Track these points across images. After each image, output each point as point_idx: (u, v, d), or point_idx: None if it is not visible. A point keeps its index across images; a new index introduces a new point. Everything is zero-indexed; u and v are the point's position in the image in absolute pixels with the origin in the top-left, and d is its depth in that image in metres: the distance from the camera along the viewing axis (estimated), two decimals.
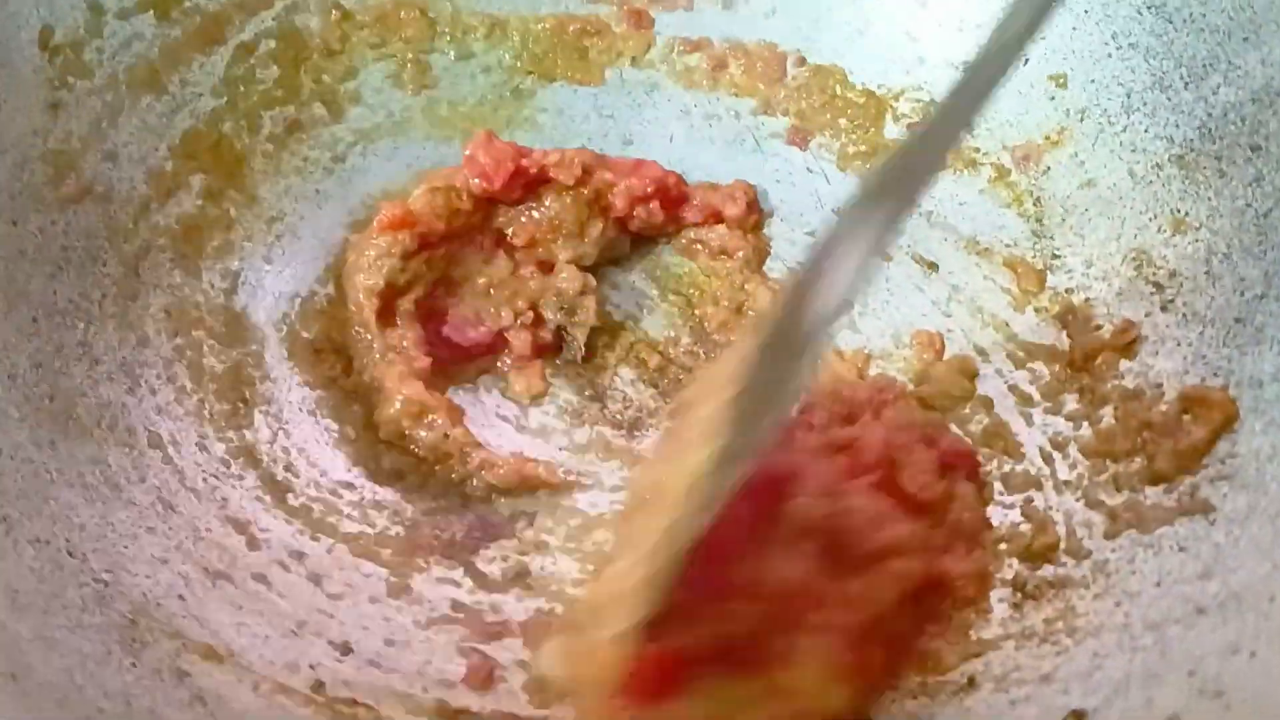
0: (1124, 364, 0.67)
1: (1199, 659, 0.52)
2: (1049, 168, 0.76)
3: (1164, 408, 0.64)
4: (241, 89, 0.78)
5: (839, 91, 0.82)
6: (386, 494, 0.67)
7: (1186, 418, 0.62)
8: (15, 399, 0.62)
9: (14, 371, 0.63)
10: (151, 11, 0.75)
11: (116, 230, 0.71)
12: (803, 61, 0.83)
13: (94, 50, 0.73)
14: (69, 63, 0.71)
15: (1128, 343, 0.68)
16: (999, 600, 0.61)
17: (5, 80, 0.68)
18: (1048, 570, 0.61)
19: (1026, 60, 0.77)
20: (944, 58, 0.80)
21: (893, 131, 0.81)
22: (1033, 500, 0.65)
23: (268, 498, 0.66)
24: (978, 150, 0.78)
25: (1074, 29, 0.76)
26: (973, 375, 0.71)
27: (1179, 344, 0.66)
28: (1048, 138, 0.76)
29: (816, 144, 0.81)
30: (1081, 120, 0.75)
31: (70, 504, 0.60)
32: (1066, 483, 0.65)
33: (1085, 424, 0.66)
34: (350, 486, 0.67)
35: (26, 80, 0.70)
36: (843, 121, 0.82)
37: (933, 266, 0.76)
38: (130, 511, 0.62)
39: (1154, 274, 0.69)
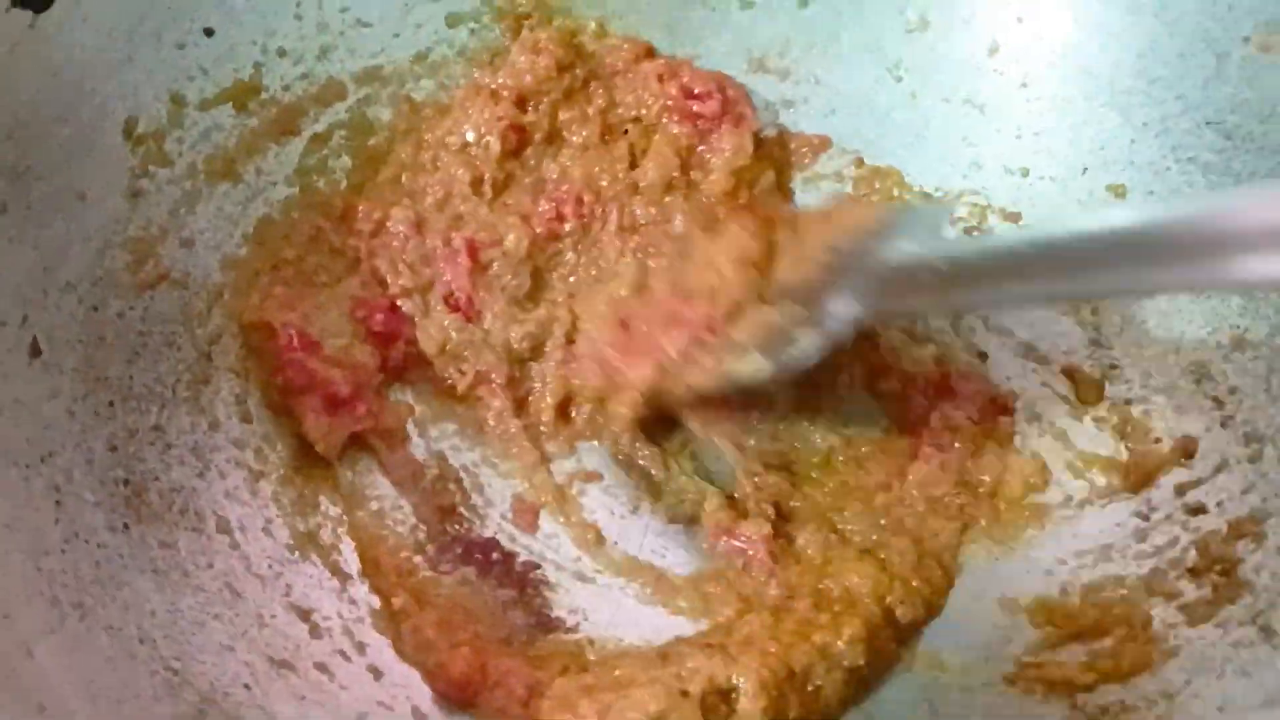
0: (1182, 478, 0.68)
1: None
2: None
3: (1221, 528, 0.64)
4: (314, 178, 0.79)
5: (896, 193, 0.83)
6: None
7: (1243, 542, 0.62)
8: (91, 483, 0.63)
9: (91, 456, 0.64)
10: (231, 104, 0.77)
11: (191, 315, 0.72)
12: (861, 163, 0.84)
13: (175, 140, 0.75)
14: (151, 152, 0.73)
15: (1186, 456, 0.68)
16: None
17: (91, 169, 0.70)
18: (1111, 694, 0.61)
19: (1085, 169, 0.78)
20: (1000, 164, 0.81)
21: (947, 231, 0.81)
22: None
23: (331, 585, 0.67)
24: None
25: (1133, 141, 0.77)
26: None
27: (1239, 461, 0.66)
28: None
29: None
30: None
31: (142, 590, 0.61)
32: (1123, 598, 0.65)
33: (1140, 542, 0.67)
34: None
35: (110, 169, 0.72)
36: None
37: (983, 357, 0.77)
38: (198, 597, 0.62)
39: (1214, 389, 0.69)
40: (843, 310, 0.64)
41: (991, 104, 0.82)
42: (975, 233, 0.81)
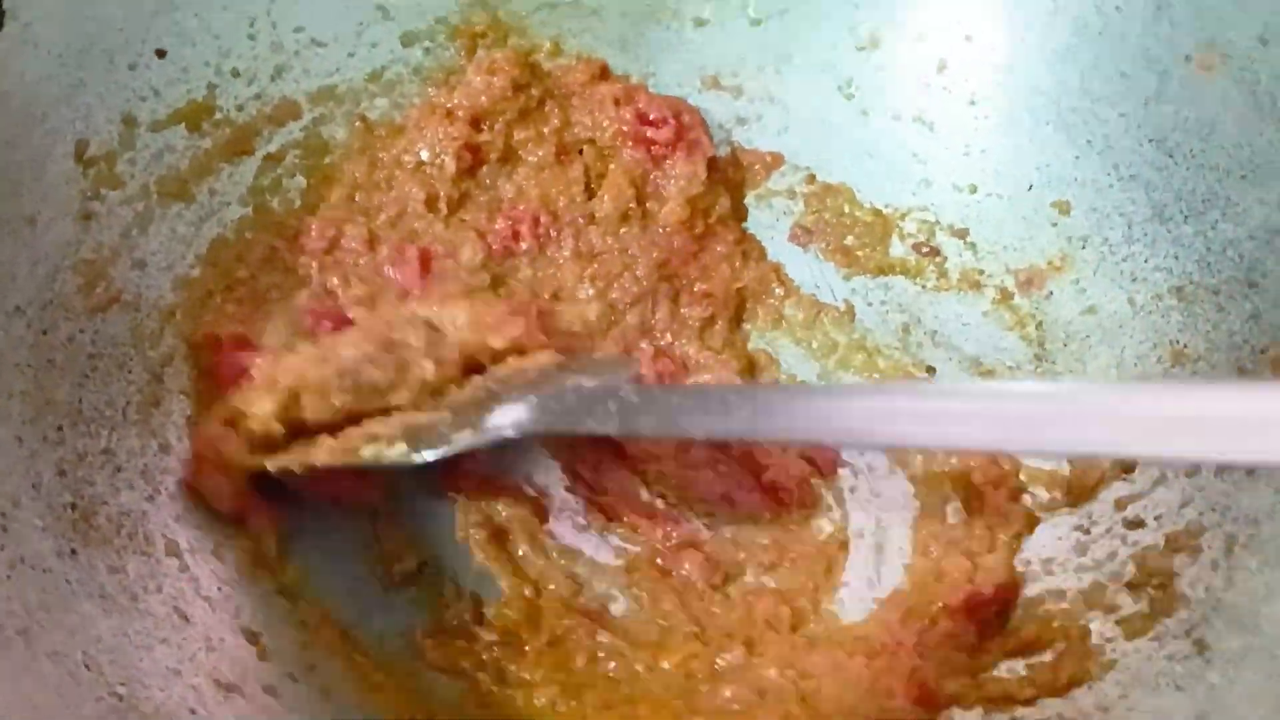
0: (1122, 492, 0.69)
1: None
2: (1051, 292, 0.77)
3: (1158, 542, 0.65)
4: (267, 198, 0.80)
5: (846, 210, 0.84)
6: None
7: (1179, 556, 0.63)
8: (39, 508, 0.63)
9: (38, 480, 0.64)
10: (184, 124, 0.77)
11: (142, 337, 0.72)
12: (812, 179, 0.85)
13: (126, 162, 0.75)
14: (102, 174, 0.74)
15: (1126, 471, 0.69)
16: None
17: (40, 193, 0.70)
18: (1049, 707, 0.61)
19: (1031, 186, 0.79)
20: (949, 181, 0.82)
21: (898, 249, 0.82)
22: None
23: (280, 604, 0.67)
24: (981, 272, 0.80)
25: (1077, 158, 0.78)
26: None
27: (1176, 475, 0.67)
28: (1050, 263, 0.78)
29: (817, 248, 0.83)
30: (1083, 247, 0.77)
31: (89, 615, 0.61)
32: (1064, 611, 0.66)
33: (1081, 555, 0.67)
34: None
35: (60, 192, 0.72)
36: (849, 239, 0.83)
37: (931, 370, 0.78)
38: (146, 622, 0.63)
39: None
40: (505, 420, 0.67)
41: (940, 121, 0.83)
42: (925, 249, 0.81)
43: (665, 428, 0.63)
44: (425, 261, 0.77)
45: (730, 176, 0.84)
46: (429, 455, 0.66)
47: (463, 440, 0.67)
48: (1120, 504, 0.69)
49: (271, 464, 0.67)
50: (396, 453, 0.67)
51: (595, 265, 0.79)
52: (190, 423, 0.71)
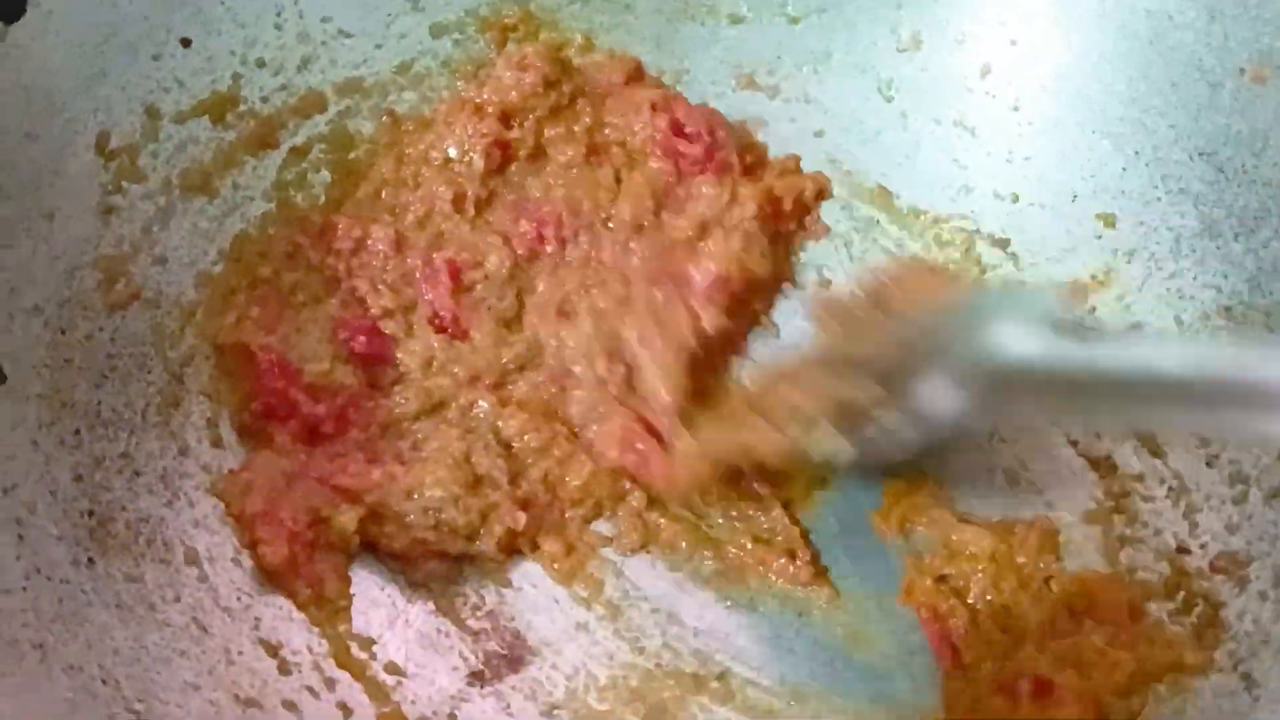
0: (1167, 517, 0.67)
1: None
2: (1095, 308, 0.75)
3: (1204, 567, 0.63)
4: (292, 193, 0.78)
5: (883, 216, 0.82)
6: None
7: (1226, 585, 0.62)
8: (55, 515, 0.62)
9: (54, 487, 0.63)
10: (207, 116, 0.76)
11: (163, 336, 0.71)
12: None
13: (149, 154, 0.73)
14: (124, 167, 0.72)
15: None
16: None
17: (60, 187, 0.69)
18: None
19: (1075, 196, 0.77)
20: (990, 188, 0.80)
21: (936, 255, 0.80)
22: None
23: (300, 617, 0.65)
24: (1022, 284, 0.78)
25: (1124, 169, 0.76)
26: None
27: (1223, 502, 0.65)
28: (1094, 277, 0.76)
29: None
30: (1129, 262, 0.75)
31: (106, 626, 0.59)
32: None
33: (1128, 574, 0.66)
34: None
35: (81, 186, 0.70)
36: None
37: None
38: (164, 634, 0.61)
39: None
40: (940, 398, 0.58)
41: (982, 127, 0.81)
42: (967, 255, 0.79)
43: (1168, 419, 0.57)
44: (455, 275, 0.75)
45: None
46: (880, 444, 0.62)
47: (910, 437, 0.61)
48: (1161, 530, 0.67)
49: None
50: (831, 446, 0.61)
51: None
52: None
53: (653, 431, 0.71)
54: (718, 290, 0.74)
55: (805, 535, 0.70)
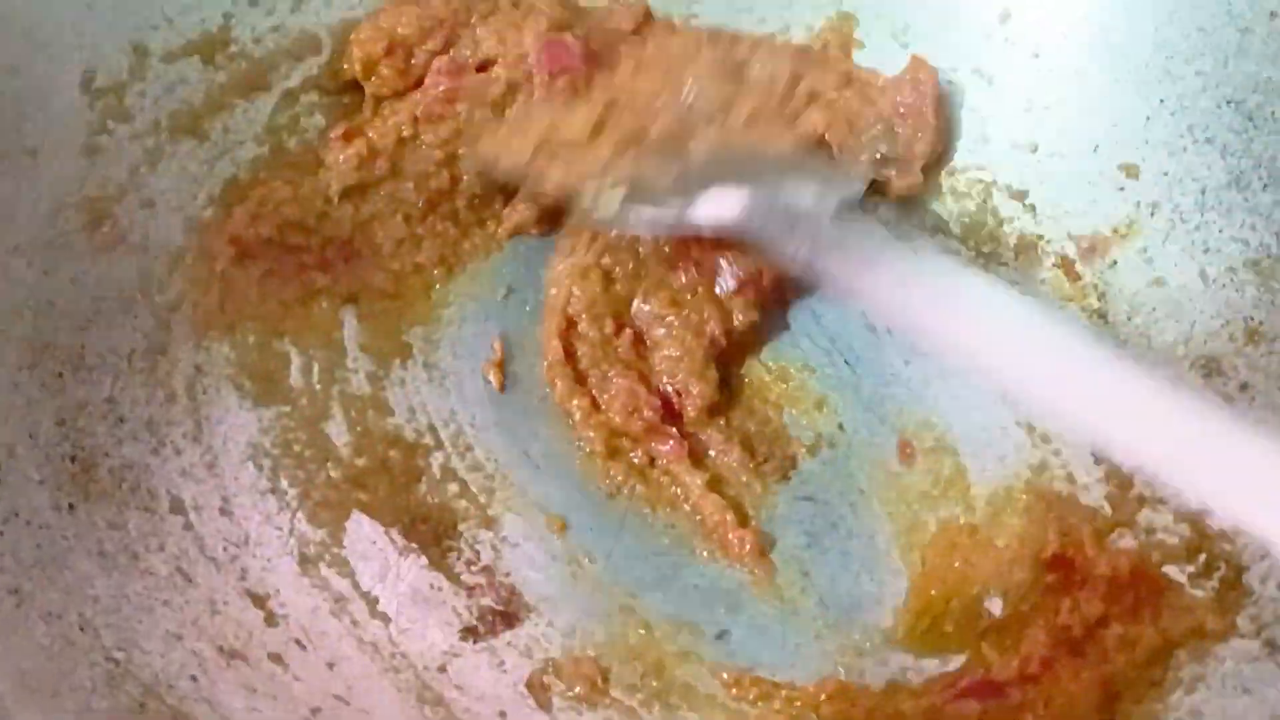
0: None
1: None
2: (1116, 261, 0.73)
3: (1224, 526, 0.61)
4: (284, 137, 0.75)
5: None
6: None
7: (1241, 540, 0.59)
8: (36, 459, 0.60)
9: (35, 430, 0.61)
10: (197, 56, 0.73)
11: (150, 281, 0.69)
12: None
13: (136, 94, 0.71)
14: (110, 107, 0.70)
15: None
16: None
17: (44, 125, 0.67)
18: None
19: (1097, 147, 0.74)
20: (1008, 139, 0.77)
21: (950, 208, 0.78)
22: None
23: (289, 567, 0.64)
24: (1040, 238, 0.75)
25: (1148, 118, 0.73)
26: None
27: None
28: (1116, 230, 0.73)
29: None
30: (1152, 215, 0.72)
31: (86, 574, 0.58)
32: None
33: (1146, 535, 0.63)
34: None
35: (65, 125, 0.68)
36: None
37: None
38: (146, 582, 0.59)
39: (1224, 385, 0.66)
40: (721, 211, 0.66)
41: (1001, 75, 0.77)
42: (984, 207, 0.77)
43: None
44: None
45: None
46: (639, 220, 0.66)
47: (669, 215, 0.65)
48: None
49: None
50: (611, 201, 0.65)
51: None
52: None
53: (668, 408, 0.69)
54: (750, 287, 0.71)
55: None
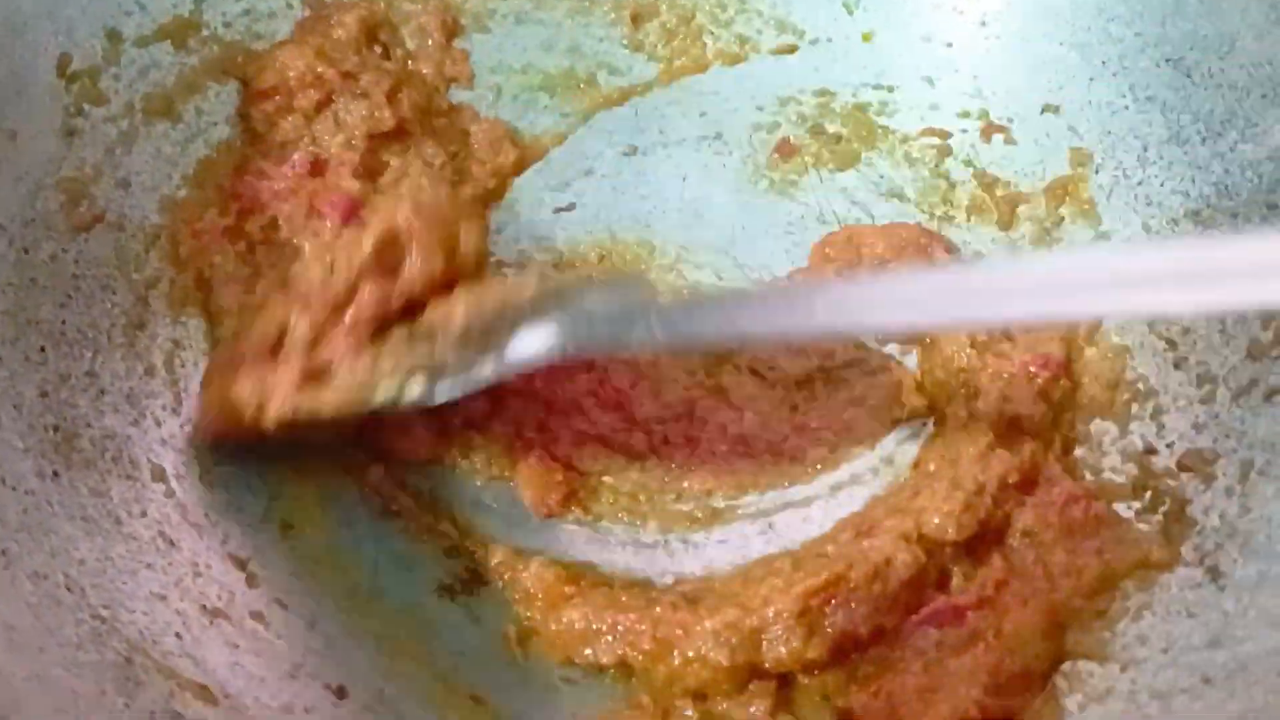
0: (1134, 421, 0.67)
1: None
2: (1063, 218, 0.75)
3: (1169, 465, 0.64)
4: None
5: (862, 135, 0.81)
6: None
7: (1191, 481, 0.62)
8: (20, 429, 0.62)
9: (19, 401, 0.62)
10: (169, 40, 0.75)
11: (127, 259, 0.70)
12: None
13: (111, 78, 0.73)
14: (85, 90, 0.71)
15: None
16: None
17: (22, 108, 0.68)
18: None
19: (1043, 109, 0.77)
20: (958, 105, 0.80)
21: (905, 174, 0.79)
22: None
23: (270, 531, 0.65)
24: (991, 198, 0.77)
25: (1091, 80, 0.76)
26: None
27: (1190, 402, 0.65)
28: (1063, 188, 0.75)
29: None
30: (1097, 172, 0.75)
31: (70, 537, 0.59)
32: None
33: (1089, 475, 0.66)
34: None
35: (43, 108, 0.69)
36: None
37: None
38: (130, 546, 0.61)
39: (1167, 330, 0.68)
40: (534, 344, 0.61)
41: (951, 43, 0.80)
42: (937, 171, 0.79)
43: (716, 332, 0.60)
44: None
45: None
46: (453, 391, 0.61)
47: (487, 372, 0.61)
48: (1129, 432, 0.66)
49: (275, 420, 0.62)
50: (415, 391, 0.61)
51: None
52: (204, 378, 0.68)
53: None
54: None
55: None
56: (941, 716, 0.55)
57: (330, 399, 0.62)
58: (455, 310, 0.64)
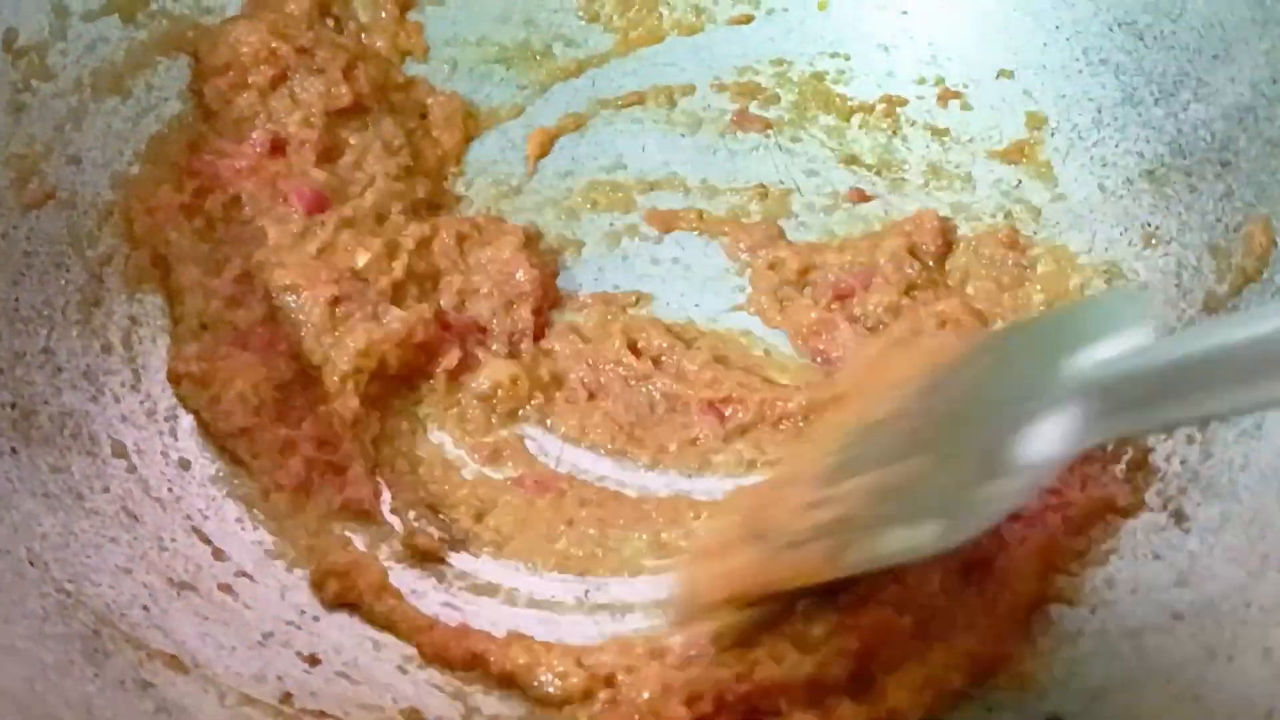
0: None
1: (1177, 665, 0.52)
2: (1020, 180, 0.76)
3: None
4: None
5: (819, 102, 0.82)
6: None
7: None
8: None
9: None
10: (117, 15, 0.74)
11: (80, 236, 0.69)
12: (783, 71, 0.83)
13: (58, 53, 0.71)
14: (33, 65, 0.70)
15: None
16: None
17: None
18: None
19: (998, 73, 0.78)
20: (915, 72, 0.81)
21: (864, 142, 0.80)
22: None
23: (234, 509, 0.64)
24: (948, 163, 0.78)
25: (1045, 44, 0.77)
26: None
27: None
28: (1020, 151, 0.76)
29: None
30: (1053, 135, 0.76)
31: (32, 513, 0.58)
32: None
33: None
34: None
35: None
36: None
37: None
38: (93, 521, 0.60)
39: (1124, 286, 0.69)
40: (1043, 449, 0.46)
41: (905, 10, 0.81)
42: (894, 138, 0.79)
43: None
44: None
45: None
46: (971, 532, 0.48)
47: (1006, 493, 0.47)
48: None
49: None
50: (930, 536, 0.49)
51: None
52: None
53: None
54: None
55: None
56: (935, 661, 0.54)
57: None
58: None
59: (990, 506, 0.47)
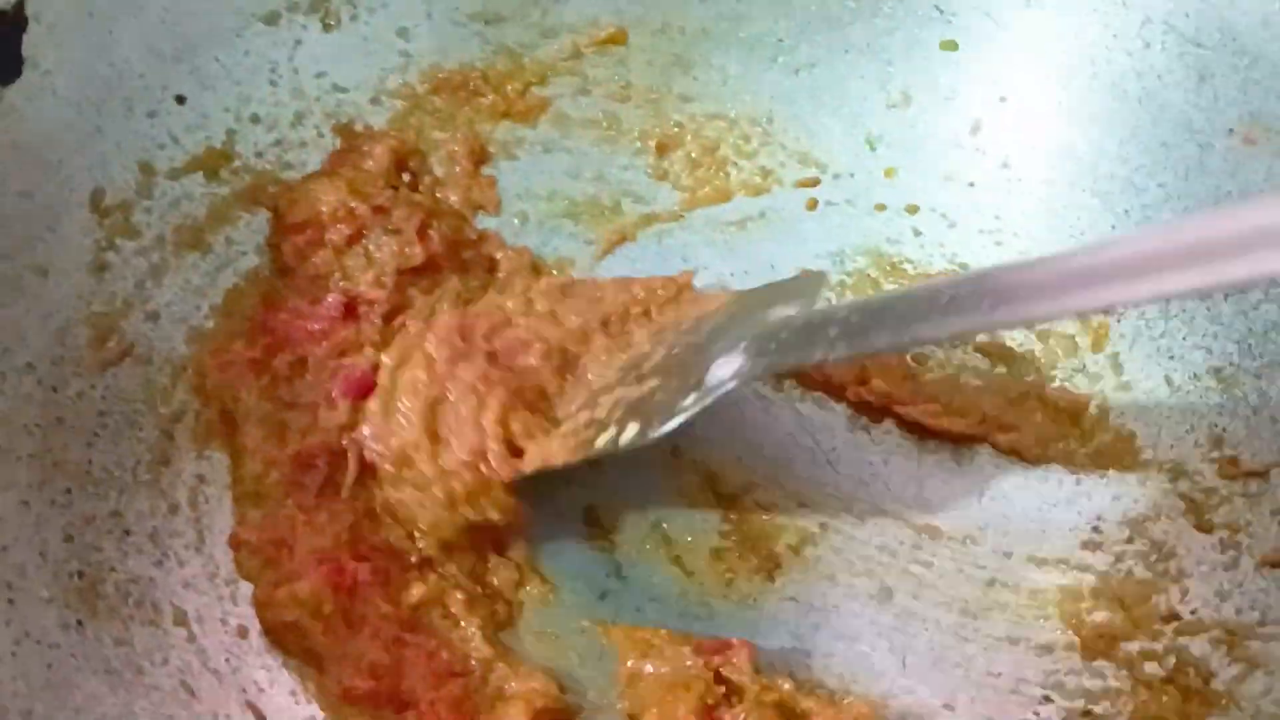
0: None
1: None
2: (1084, 365, 0.75)
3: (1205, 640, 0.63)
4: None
5: (874, 273, 0.82)
6: None
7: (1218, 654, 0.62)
8: (45, 578, 0.62)
9: (45, 548, 0.63)
10: (201, 172, 0.76)
11: (154, 392, 0.71)
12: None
13: (143, 211, 0.73)
14: (118, 224, 0.72)
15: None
16: None
17: (54, 244, 0.69)
18: None
19: None
20: (978, 246, 0.80)
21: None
22: None
23: (286, 680, 0.65)
24: (1011, 339, 0.78)
25: (1113, 227, 0.77)
26: None
27: (1214, 568, 0.65)
28: (1087, 335, 0.76)
29: None
30: (1119, 320, 0.75)
31: (95, 693, 0.59)
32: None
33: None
34: None
35: (75, 243, 0.70)
36: None
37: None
38: (153, 698, 0.61)
39: (1190, 489, 0.68)
40: (727, 371, 0.65)
41: (972, 183, 0.81)
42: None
43: (900, 338, 0.59)
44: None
45: None
46: (665, 428, 0.64)
47: (691, 403, 0.64)
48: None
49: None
50: (630, 435, 0.65)
51: None
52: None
53: None
54: None
55: None
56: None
57: (558, 454, 0.66)
58: (650, 344, 0.70)
59: (678, 414, 0.65)
